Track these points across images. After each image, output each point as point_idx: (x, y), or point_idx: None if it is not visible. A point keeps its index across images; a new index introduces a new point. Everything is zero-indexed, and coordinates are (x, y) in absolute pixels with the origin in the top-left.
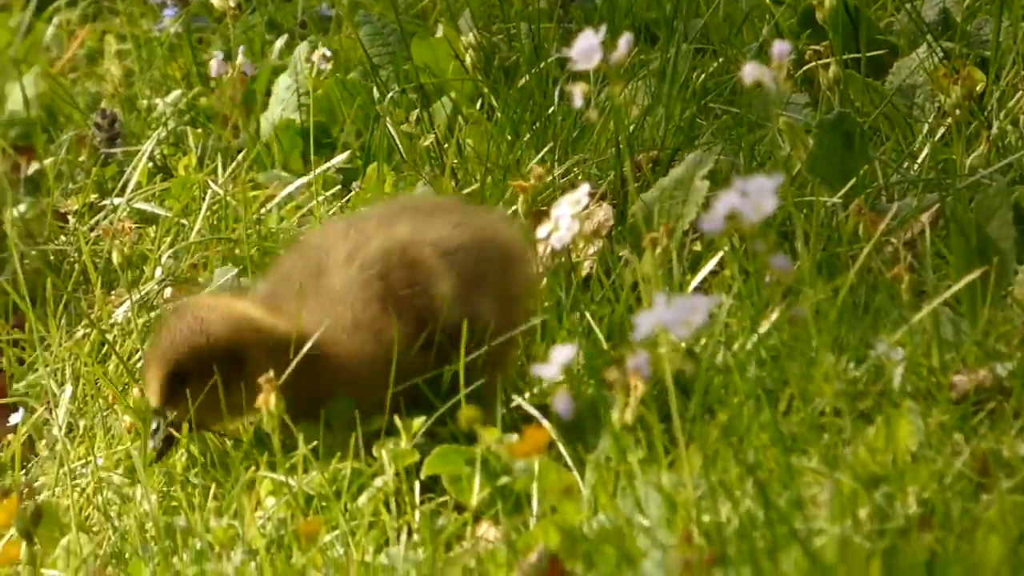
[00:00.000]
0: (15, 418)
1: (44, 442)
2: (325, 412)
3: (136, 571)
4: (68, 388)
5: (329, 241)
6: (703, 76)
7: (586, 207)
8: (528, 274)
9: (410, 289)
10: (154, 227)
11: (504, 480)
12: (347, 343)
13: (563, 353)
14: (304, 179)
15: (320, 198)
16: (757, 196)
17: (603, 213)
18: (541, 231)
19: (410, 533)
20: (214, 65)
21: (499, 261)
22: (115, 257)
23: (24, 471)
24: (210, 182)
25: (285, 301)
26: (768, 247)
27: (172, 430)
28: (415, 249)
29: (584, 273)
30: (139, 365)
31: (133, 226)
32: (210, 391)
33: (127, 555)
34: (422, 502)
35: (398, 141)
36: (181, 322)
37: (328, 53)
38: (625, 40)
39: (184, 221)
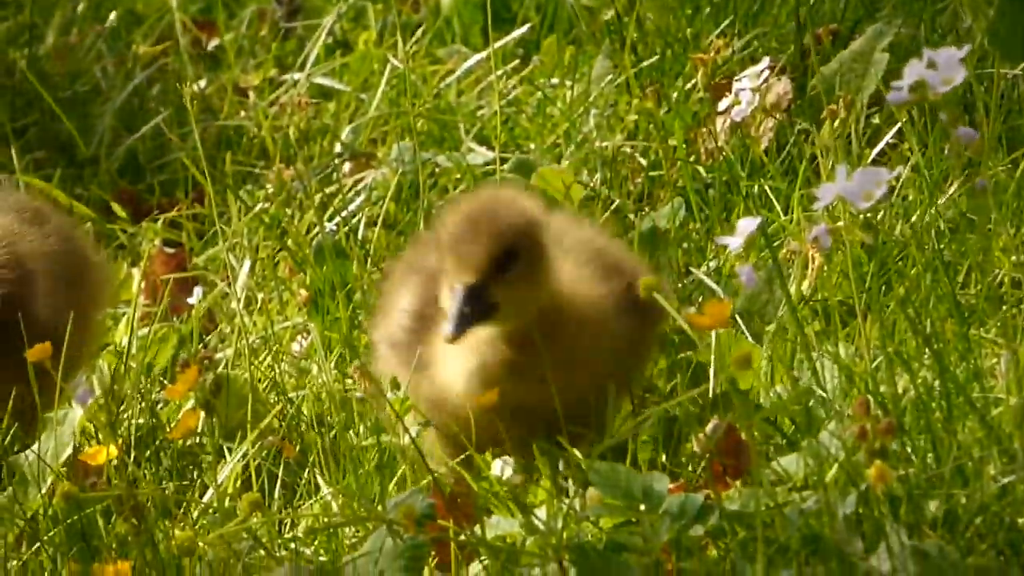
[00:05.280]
0: (195, 293)
1: (223, 315)
2: None
3: (312, 442)
4: (247, 262)
5: None
6: None
7: (766, 81)
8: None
9: None
10: (333, 102)
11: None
12: None
13: (748, 224)
14: (483, 53)
15: (499, 72)
16: (946, 67)
17: (782, 86)
18: (721, 104)
19: None
20: None
21: None
22: (292, 132)
23: (203, 344)
24: (390, 57)
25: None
26: (951, 119)
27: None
28: None
29: (763, 146)
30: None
31: (311, 101)
32: (528, 275)
33: (303, 427)
34: None
35: (578, 14)
36: (500, 204)
37: None
38: None
39: (363, 96)
